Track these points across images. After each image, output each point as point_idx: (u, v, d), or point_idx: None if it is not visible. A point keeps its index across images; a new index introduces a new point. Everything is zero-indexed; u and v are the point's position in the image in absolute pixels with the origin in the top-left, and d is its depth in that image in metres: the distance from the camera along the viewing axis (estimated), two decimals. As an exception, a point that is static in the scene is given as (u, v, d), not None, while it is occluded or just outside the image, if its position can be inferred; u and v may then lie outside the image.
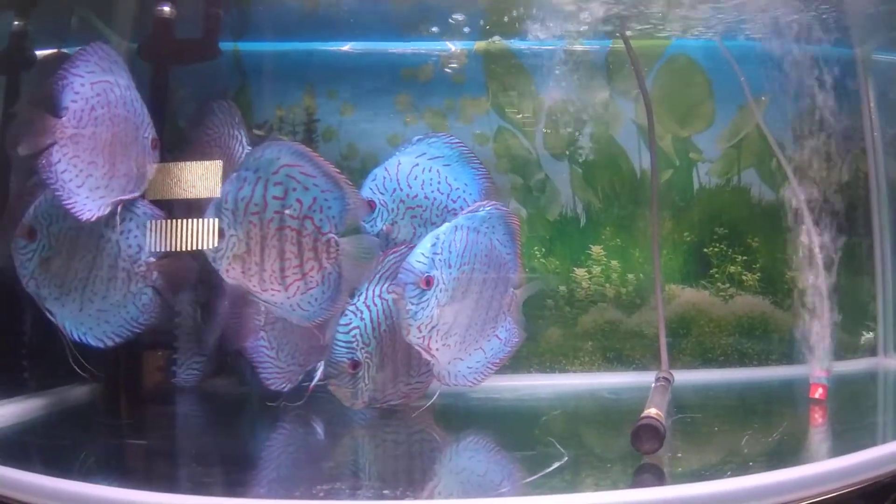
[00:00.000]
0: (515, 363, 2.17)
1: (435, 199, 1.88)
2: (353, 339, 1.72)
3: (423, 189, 1.87)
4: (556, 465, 1.36)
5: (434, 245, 1.66)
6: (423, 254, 1.65)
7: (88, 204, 1.69)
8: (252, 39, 2.28)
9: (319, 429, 1.81)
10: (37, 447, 1.61)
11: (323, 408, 1.84)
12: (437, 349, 1.70)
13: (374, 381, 1.75)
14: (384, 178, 1.86)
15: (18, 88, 1.99)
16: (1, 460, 1.30)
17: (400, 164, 1.87)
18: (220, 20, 2.08)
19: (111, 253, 1.78)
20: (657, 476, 1.32)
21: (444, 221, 1.82)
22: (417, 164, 1.87)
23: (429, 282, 1.64)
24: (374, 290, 1.74)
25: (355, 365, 1.72)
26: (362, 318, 1.73)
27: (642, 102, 2.23)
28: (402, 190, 1.86)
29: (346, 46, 2.31)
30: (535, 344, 2.24)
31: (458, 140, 1.92)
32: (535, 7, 2.13)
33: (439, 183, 1.88)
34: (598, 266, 2.28)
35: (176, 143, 2.02)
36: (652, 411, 1.41)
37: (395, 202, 1.85)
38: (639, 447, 1.36)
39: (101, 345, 1.79)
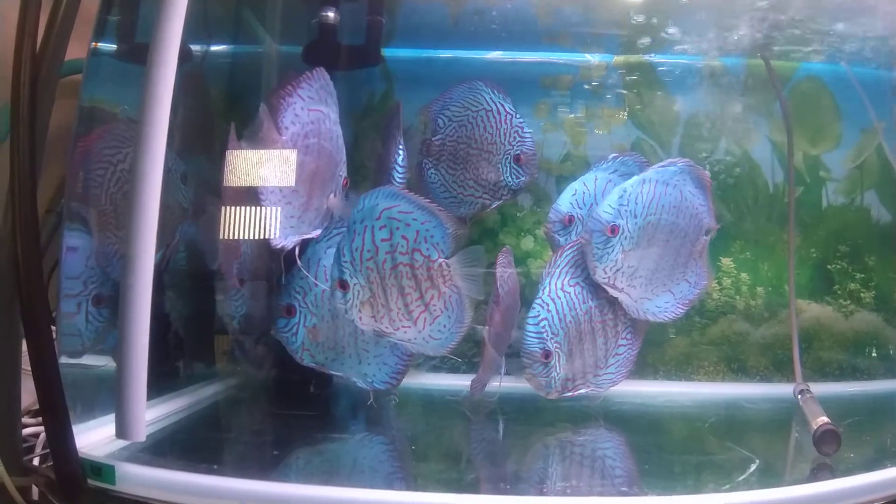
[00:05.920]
0: (642, 369, 2.23)
1: None
2: (543, 330, 1.80)
3: None
4: (753, 467, 1.46)
5: (621, 197, 1.80)
6: (609, 205, 1.80)
7: (280, 232, 1.69)
8: (398, 45, 2.35)
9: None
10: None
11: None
12: (622, 288, 1.83)
13: (565, 369, 1.81)
14: (583, 193, 1.95)
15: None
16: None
17: (597, 179, 1.96)
18: (382, 27, 2.16)
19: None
20: (837, 471, 1.46)
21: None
22: (611, 181, 1.96)
23: (614, 230, 1.79)
24: (556, 284, 1.82)
25: (547, 355, 1.80)
26: (549, 310, 1.81)
27: (776, 119, 2.29)
28: (597, 204, 1.92)
29: (490, 55, 2.39)
30: (661, 351, 2.30)
31: (645, 159, 2.04)
32: (680, 24, 2.20)
33: None
34: (728, 278, 2.32)
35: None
36: (825, 419, 1.58)
37: None
38: (822, 450, 1.52)
39: (387, 387, 1.84)
